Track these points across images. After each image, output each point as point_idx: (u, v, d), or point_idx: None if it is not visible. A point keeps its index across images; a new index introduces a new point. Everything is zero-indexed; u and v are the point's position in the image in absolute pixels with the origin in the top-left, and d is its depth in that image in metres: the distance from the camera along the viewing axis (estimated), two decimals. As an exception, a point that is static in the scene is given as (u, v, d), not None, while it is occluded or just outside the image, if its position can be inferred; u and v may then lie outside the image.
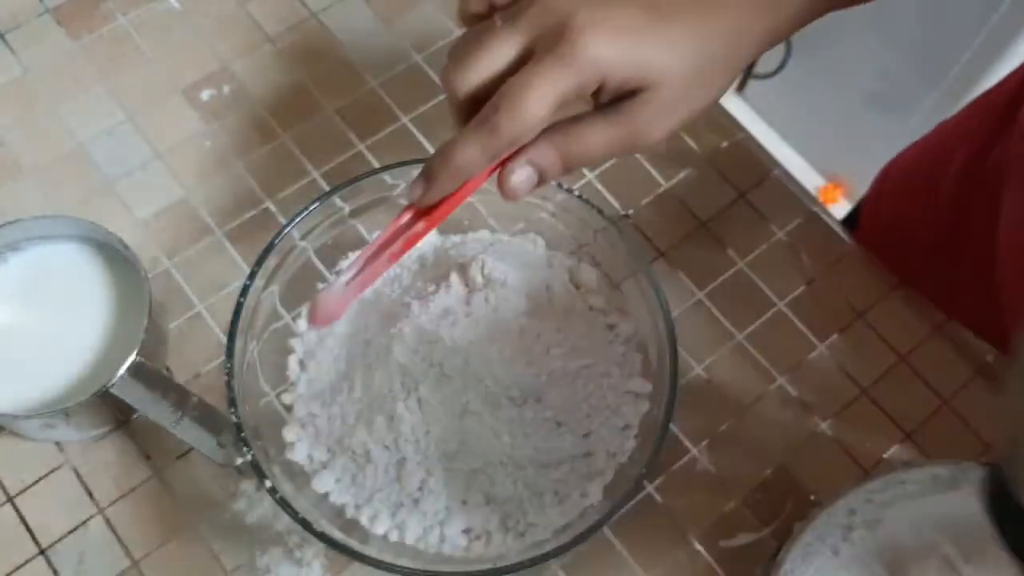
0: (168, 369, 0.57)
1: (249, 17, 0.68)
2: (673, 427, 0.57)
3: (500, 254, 0.55)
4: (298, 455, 0.51)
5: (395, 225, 0.42)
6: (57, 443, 0.55)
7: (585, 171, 0.65)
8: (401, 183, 0.57)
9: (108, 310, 0.54)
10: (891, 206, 0.75)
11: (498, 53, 0.37)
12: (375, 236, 0.58)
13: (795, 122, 1.67)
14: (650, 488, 0.56)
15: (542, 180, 0.39)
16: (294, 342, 0.56)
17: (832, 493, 0.50)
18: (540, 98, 0.35)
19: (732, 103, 1.70)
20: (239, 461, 0.48)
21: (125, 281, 0.55)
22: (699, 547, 0.55)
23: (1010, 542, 0.31)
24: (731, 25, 0.38)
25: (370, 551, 0.47)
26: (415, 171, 0.56)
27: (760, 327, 0.61)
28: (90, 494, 0.53)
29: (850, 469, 0.57)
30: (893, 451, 0.58)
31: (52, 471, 0.54)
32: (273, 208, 0.62)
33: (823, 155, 1.65)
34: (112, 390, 0.49)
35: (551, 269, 0.57)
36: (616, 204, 0.64)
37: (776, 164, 0.66)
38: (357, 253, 0.58)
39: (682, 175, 0.65)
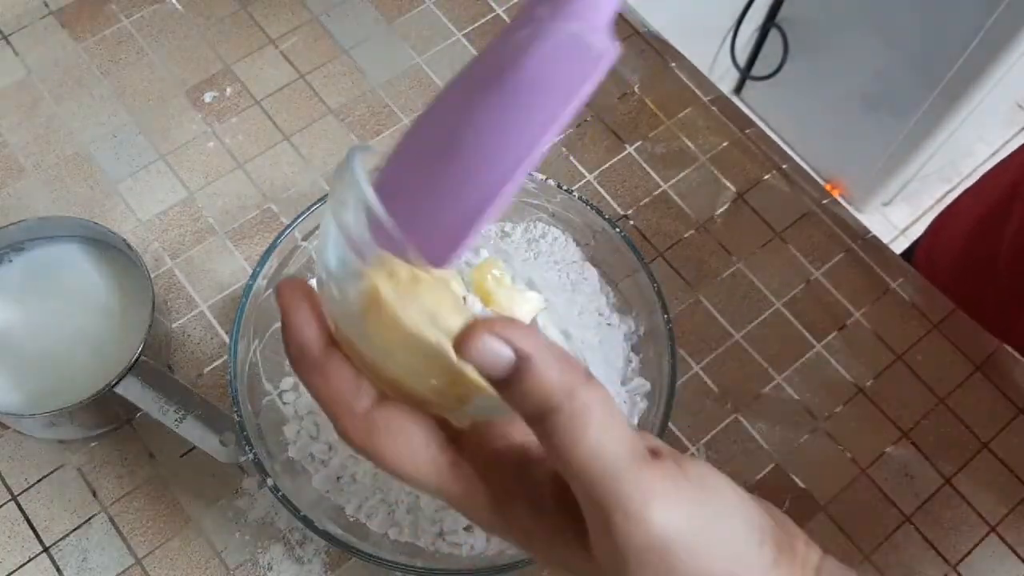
0: (171, 368, 0.57)
1: (251, 19, 0.69)
2: (672, 426, 0.57)
3: (500, 254, 0.56)
4: (300, 453, 0.52)
5: None
6: (60, 441, 0.55)
7: (585, 172, 0.65)
8: (402, 184, 0.57)
9: (111, 310, 0.54)
10: (949, 236, 0.76)
11: None
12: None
13: (792, 123, 1.67)
14: (649, 486, 0.56)
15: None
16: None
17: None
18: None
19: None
20: (241, 459, 0.49)
21: (128, 281, 0.55)
22: (698, 545, 0.55)
23: None
24: None
25: (370, 548, 0.47)
26: (416, 172, 0.57)
27: (758, 326, 0.61)
28: (93, 492, 0.54)
29: (848, 467, 0.57)
30: (891, 449, 0.58)
31: (55, 469, 0.54)
32: (275, 209, 0.62)
33: (820, 156, 1.65)
34: (115, 389, 0.50)
35: (552, 270, 0.57)
36: (615, 205, 0.64)
37: (774, 164, 0.66)
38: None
39: (681, 175, 0.65)
